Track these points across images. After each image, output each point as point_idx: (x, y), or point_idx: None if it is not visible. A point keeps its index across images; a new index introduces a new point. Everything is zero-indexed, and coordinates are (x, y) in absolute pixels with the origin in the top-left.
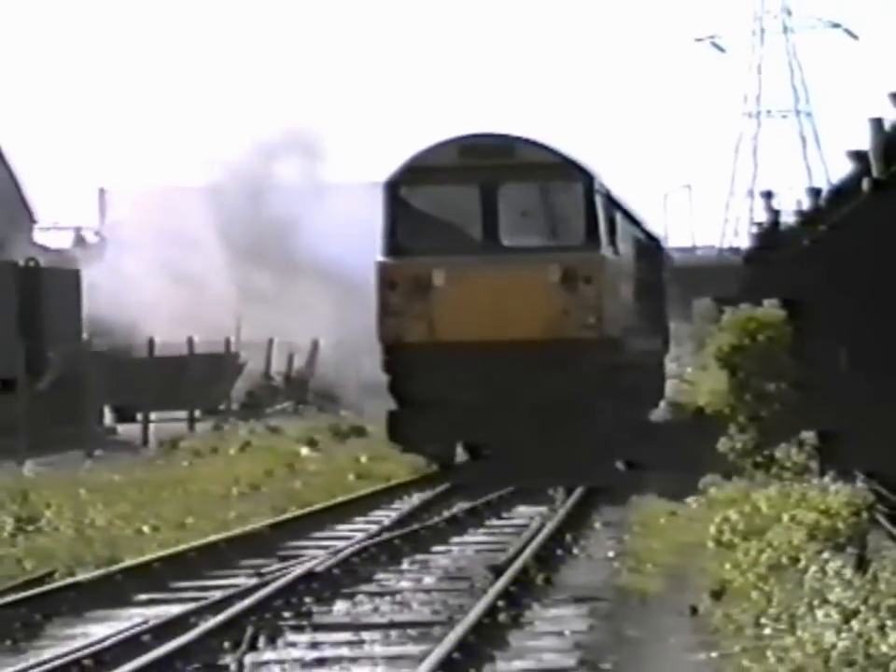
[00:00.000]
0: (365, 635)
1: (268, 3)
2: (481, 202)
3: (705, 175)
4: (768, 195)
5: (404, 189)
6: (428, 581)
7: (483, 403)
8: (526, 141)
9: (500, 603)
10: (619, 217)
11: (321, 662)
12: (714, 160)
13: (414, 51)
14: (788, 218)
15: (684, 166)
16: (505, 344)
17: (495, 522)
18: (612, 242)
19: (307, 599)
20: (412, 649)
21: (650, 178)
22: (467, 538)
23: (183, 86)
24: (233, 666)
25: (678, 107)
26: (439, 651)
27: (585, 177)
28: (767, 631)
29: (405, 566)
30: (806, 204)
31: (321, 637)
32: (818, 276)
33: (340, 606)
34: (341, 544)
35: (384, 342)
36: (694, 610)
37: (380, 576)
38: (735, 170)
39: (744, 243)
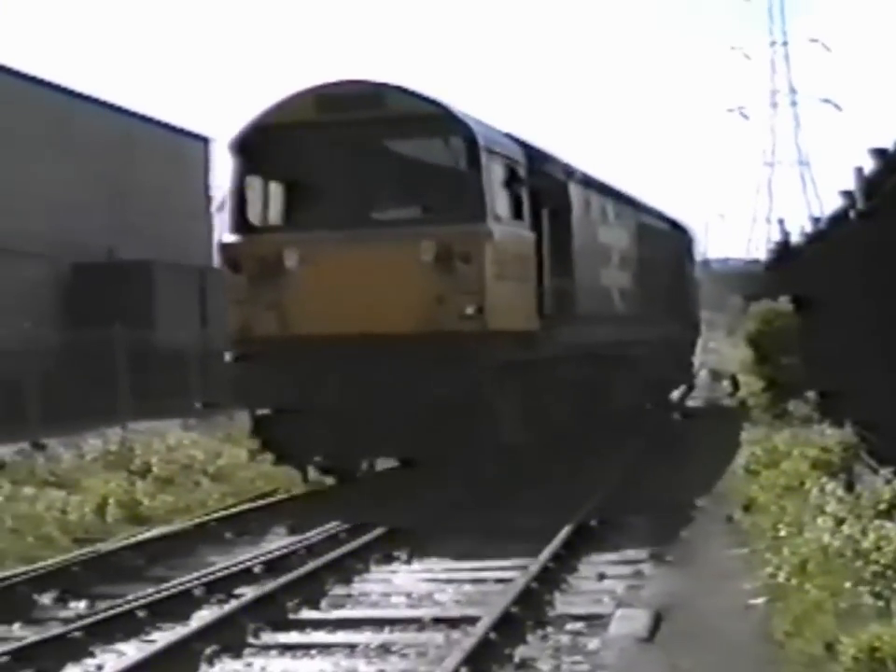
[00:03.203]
0: (496, 536)
1: None
2: (343, 165)
3: (735, 207)
4: (781, 221)
5: (251, 153)
6: (542, 501)
7: (342, 410)
8: (398, 89)
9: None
10: (577, 191)
11: (467, 554)
12: (741, 196)
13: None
14: (796, 238)
15: (720, 200)
16: (369, 339)
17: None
18: (522, 215)
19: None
20: (532, 547)
21: (695, 210)
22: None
23: None
24: None
25: (717, 157)
26: (549, 548)
27: (466, 131)
28: (783, 533)
29: (534, 489)
30: (809, 228)
31: (466, 539)
32: (818, 280)
33: (474, 520)
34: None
35: (229, 335)
36: (730, 519)
37: (517, 496)
38: (757, 203)
39: (763, 256)
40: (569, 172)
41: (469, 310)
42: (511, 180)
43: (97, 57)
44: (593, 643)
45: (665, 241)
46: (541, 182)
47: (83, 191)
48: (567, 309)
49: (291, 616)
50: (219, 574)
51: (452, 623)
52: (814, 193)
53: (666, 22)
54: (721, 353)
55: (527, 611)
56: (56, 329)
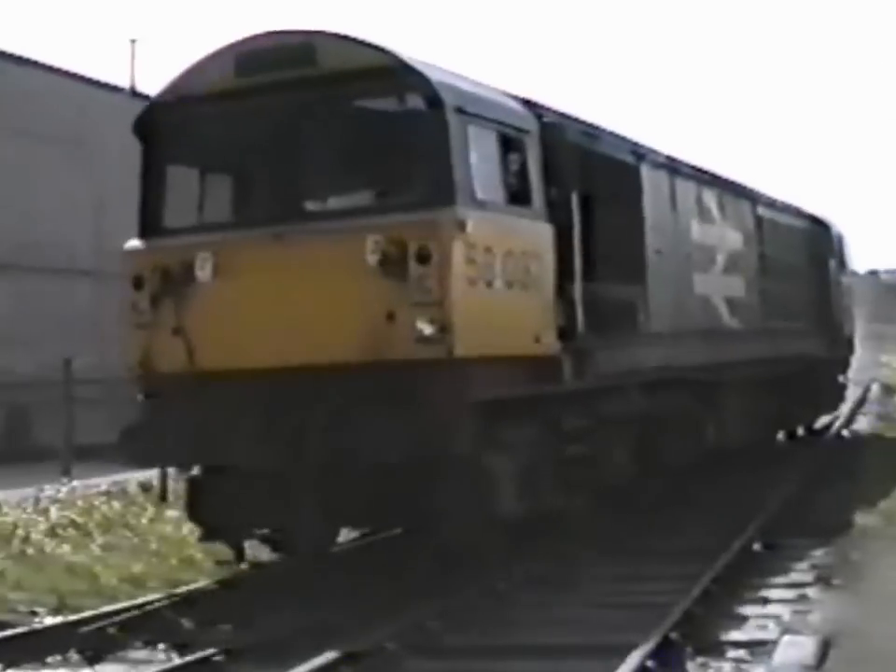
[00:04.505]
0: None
1: None
2: (268, 143)
3: None
4: None
5: (156, 134)
6: (705, 523)
7: (263, 471)
8: (334, 38)
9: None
10: (654, 177)
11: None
12: None
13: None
14: None
15: (889, 207)
16: (300, 375)
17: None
18: (530, 199)
19: None
20: (693, 569)
21: (862, 217)
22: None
23: None
24: None
25: (886, 165)
26: (710, 573)
27: (425, 85)
28: None
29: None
30: None
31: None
32: None
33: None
34: None
35: (129, 370)
36: None
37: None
38: None
39: None
40: (641, 154)
41: (427, 329)
42: (509, 153)
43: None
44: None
45: (798, 241)
46: (571, 159)
47: None
48: (626, 324)
49: (440, 642)
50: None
51: (608, 649)
52: None
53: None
54: (893, 367)
55: (687, 637)
56: None
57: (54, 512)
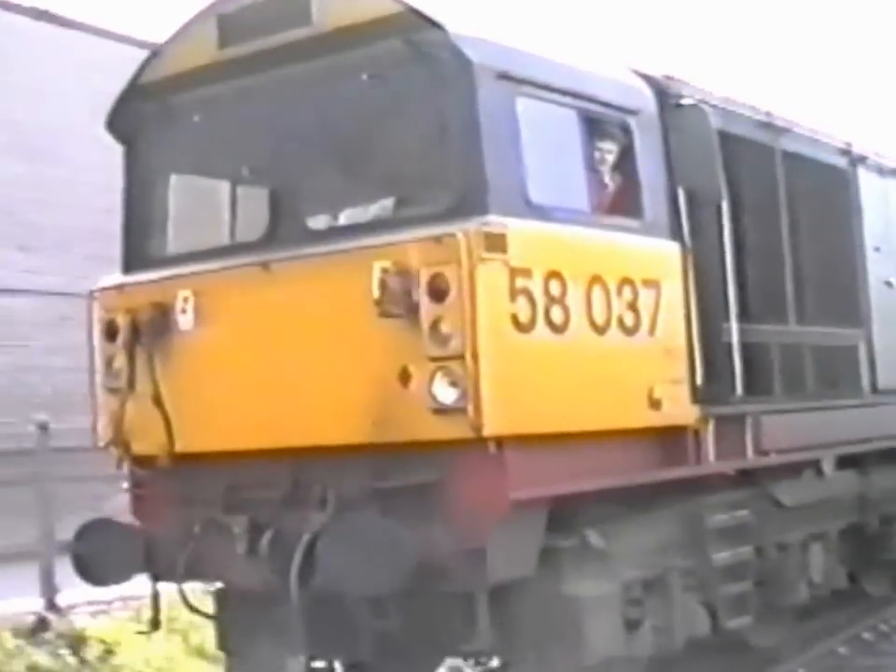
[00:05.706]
0: None
1: None
2: (255, 137)
3: None
4: None
5: (132, 130)
6: None
7: (256, 591)
8: None
9: None
10: (880, 186)
11: None
12: None
13: None
14: None
15: None
16: (296, 460)
17: None
18: (638, 208)
19: None
20: None
21: None
22: None
23: None
24: None
25: None
26: None
27: (444, 41)
28: None
29: None
30: None
31: None
32: None
33: None
34: None
35: (100, 447)
36: None
37: None
38: None
39: None
40: (857, 156)
41: (448, 395)
42: (600, 142)
43: None
44: None
45: None
46: (721, 156)
47: None
48: (830, 380)
49: None
50: None
51: None
52: None
53: None
54: None
55: None
56: None
57: None
